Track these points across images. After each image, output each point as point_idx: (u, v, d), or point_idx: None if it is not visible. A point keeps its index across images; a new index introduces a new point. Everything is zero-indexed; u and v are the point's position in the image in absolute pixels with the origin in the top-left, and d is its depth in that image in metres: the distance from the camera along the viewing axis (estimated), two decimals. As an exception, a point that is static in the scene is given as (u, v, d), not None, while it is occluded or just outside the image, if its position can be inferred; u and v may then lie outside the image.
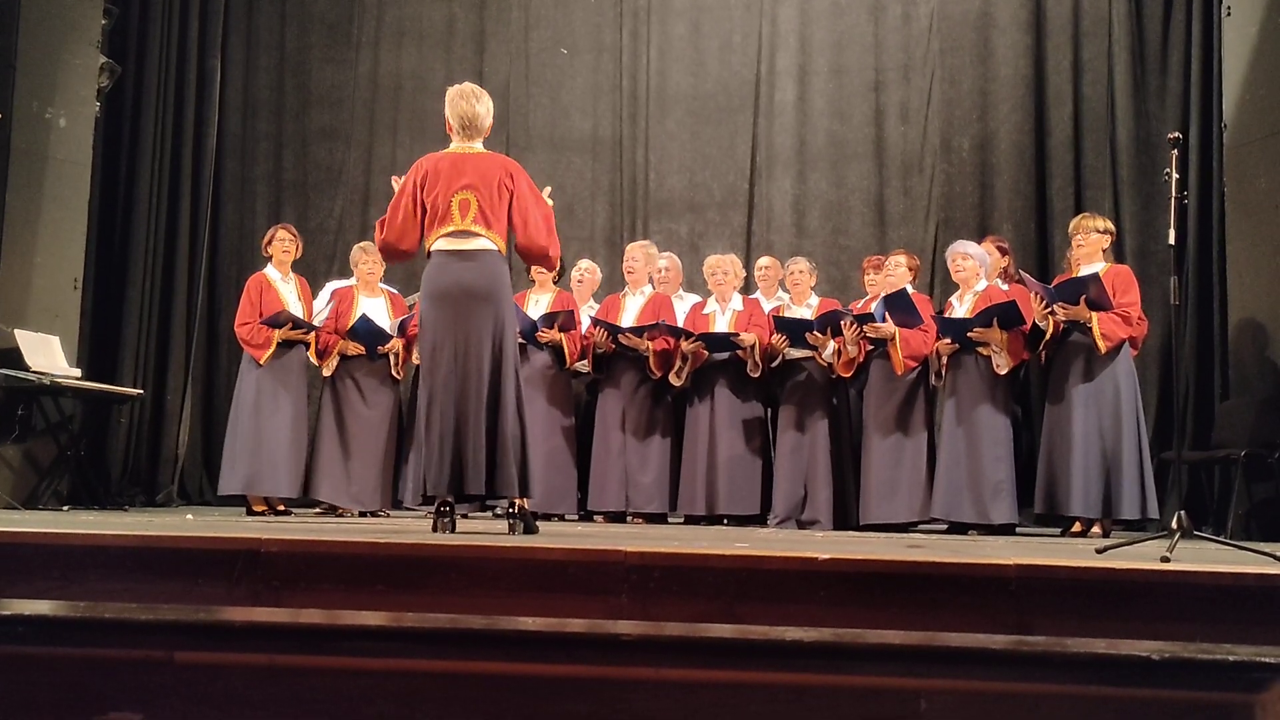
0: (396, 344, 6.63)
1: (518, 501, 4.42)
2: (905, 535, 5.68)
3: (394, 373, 6.68)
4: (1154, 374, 7.19)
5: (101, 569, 3.09)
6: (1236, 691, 2.03)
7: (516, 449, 4.41)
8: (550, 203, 4.65)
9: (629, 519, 6.51)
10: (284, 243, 6.73)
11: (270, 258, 6.75)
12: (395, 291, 6.97)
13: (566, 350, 6.59)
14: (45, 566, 3.10)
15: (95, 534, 3.34)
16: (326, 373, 6.64)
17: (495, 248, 4.45)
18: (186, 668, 2.14)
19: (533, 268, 6.44)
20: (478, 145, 4.57)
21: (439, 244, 4.46)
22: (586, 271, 7.08)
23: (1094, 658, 2.13)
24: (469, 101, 4.53)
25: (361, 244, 6.94)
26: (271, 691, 2.14)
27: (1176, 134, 4.29)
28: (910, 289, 6.35)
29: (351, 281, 6.89)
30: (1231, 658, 2.05)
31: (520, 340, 6.20)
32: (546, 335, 6.54)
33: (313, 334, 6.58)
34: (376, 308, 6.69)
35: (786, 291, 6.74)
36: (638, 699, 2.18)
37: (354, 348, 6.58)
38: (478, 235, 4.41)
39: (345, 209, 8.72)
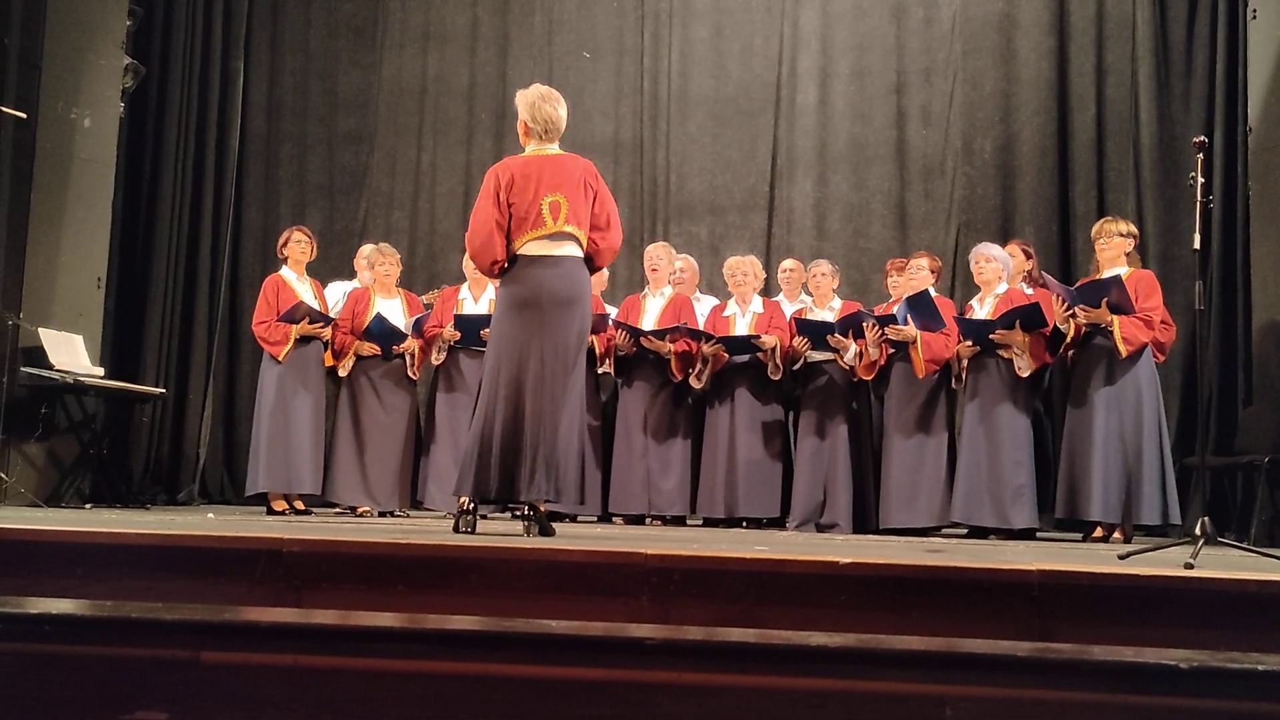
0: (412, 344, 6.65)
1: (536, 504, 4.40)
2: (925, 539, 5.66)
3: (410, 373, 6.69)
4: (1177, 379, 7.13)
5: (124, 567, 3.10)
6: (1269, 701, 2.01)
7: (580, 455, 4.43)
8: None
9: (648, 521, 6.50)
10: (300, 244, 6.76)
11: (286, 259, 6.79)
12: (411, 293, 7.00)
13: (597, 353, 6.57)
14: (68, 564, 3.12)
15: (117, 532, 3.35)
16: (342, 373, 6.66)
17: (579, 253, 4.45)
18: (212, 667, 2.15)
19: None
20: (553, 147, 4.56)
21: (528, 248, 4.42)
22: (597, 273, 7.06)
23: (1120, 665, 2.12)
24: (552, 105, 4.55)
25: (379, 245, 6.97)
26: (296, 692, 2.14)
27: (1202, 138, 4.26)
28: (932, 291, 6.32)
29: (354, 283, 6.92)
30: (1261, 666, 2.03)
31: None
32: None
33: (330, 328, 6.61)
34: (392, 308, 6.71)
35: (809, 294, 6.73)
36: (658, 702, 2.17)
37: (369, 348, 6.60)
38: (570, 238, 4.41)
39: (369, 212, 8.75)
